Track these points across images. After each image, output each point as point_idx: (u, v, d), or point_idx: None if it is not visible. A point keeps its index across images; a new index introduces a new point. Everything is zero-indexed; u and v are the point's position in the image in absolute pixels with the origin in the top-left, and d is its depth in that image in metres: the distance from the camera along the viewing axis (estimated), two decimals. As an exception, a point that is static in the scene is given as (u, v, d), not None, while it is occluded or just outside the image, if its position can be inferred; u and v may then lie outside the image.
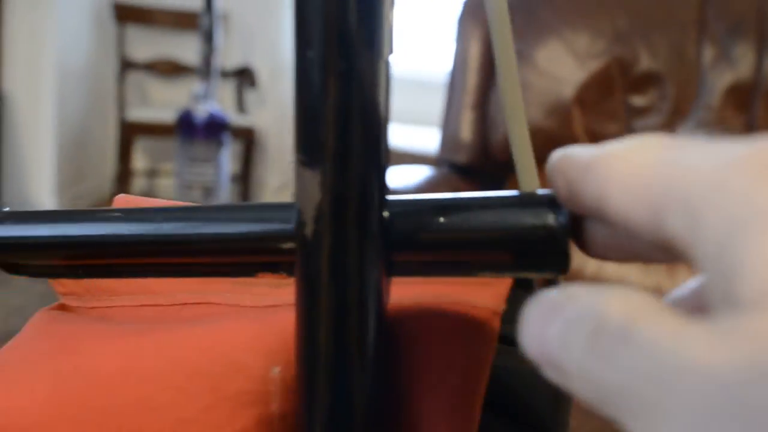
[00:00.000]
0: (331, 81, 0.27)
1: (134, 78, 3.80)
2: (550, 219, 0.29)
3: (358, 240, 0.28)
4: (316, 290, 0.29)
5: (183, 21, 3.67)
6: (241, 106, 3.89)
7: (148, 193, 3.83)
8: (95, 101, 3.78)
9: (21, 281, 2.66)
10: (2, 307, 2.48)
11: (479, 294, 0.34)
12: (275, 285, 0.36)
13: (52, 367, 0.34)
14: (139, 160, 3.94)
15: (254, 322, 0.34)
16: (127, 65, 3.67)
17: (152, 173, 3.92)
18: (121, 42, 3.65)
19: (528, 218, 0.29)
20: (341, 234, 0.28)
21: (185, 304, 0.37)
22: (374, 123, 0.28)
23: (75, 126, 3.56)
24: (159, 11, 3.67)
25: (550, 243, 0.29)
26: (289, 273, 0.34)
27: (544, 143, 1.78)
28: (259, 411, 0.33)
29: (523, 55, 1.66)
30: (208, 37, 3.07)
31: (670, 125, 1.72)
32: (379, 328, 0.30)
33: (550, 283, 0.35)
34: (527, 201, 0.30)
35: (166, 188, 3.92)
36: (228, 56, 3.74)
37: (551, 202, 0.29)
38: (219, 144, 3.03)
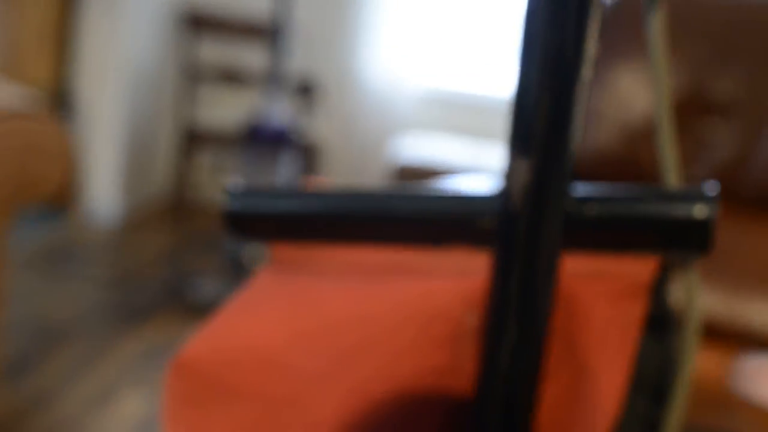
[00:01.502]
0: (545, 94, 0.36)
1: (201, 85, 3.93)
2: (701, 209, 0.38)
3: (552, 215, 0.37)
4: (513, 254, 0.38)
5: (252, 30, 3.80)
6: (305, 117, 3.99)
7: (208, 200, 3.95)
8: (161, 106, 3.91)
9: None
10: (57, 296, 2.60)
11: (634, 267, 0.42)
12: (467, 256, 0.45)
13: (288, 305, 0.43)
14: (201, 167, 4.06)
15: (454, 279, 0.42)
16: (194, 72, 3.80)
17: (213, 181, 4.04)
18: (189, 49, 3.78)
19: (682, 208, 0.38)
20: (541, 208, 0.37)
21: (390, 266, 0.45)
22: (571, 125, 0.37)
23: (140, 129, 3.69)
24: (229, 19, 3.80)
25: (699, 229, 0.38)
26: (480, 245, 0.42)
27: (612, 167, 1.84)
28: (454, 350, 0.41)
29: (597, 79, 1.74)
30: (276, 47, 3.18)
31: (739, 156, 1.78)
32: (556, 286, 0.39)
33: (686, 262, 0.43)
34: (681, 194, 0.38)
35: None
36: (294, 67, 3.85)
37: (701, 195, 0.38)
38: (282, 153, 3.14)
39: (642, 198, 0.39)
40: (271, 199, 0.45)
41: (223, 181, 4.01)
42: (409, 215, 0.42)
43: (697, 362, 1.29)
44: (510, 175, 0.37)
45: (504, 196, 0.38)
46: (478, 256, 0.43)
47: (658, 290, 0.44)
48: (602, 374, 0.41)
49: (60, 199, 1.55)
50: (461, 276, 0.42)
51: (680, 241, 0.39)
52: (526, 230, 0.37)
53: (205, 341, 0.45)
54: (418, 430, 0.43)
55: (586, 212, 0.39)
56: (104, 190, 3.49)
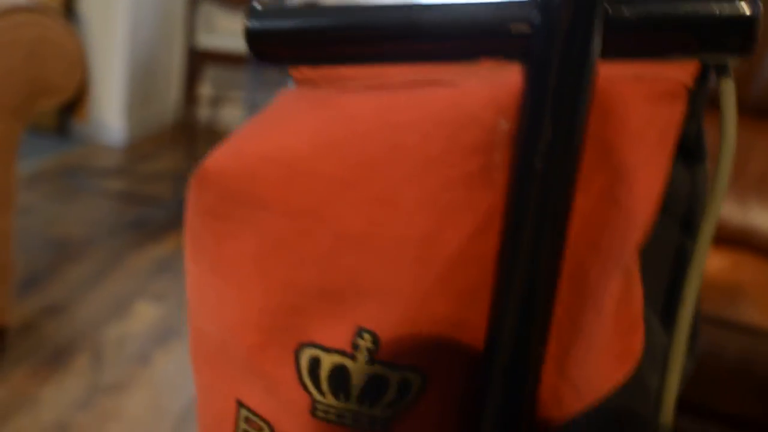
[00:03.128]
0: None
1: (204, 7, 3.88)
2: (745, 7, 0.37)
3: (586, 21, 0.37)
4: (549, 55, 0.38)
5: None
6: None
7: (212, 121, 3.93)
8: (165, 28, 3.88)
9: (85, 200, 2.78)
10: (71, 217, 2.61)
11: (674, 70, 0.42)
12: (495, 69, 0.44)
13: (313, 117, 0.43)
14: (205, 88, 4.04)
15: (487, 86, 0.42)
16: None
17: (217, 101, 4.02)
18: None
19: (726, 5, 0.37)
20: (578, 14, 0.36)
21: (419, 80, 0.45)
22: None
23: (145, 51, 3.66)
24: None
25: (743, 26, 0.37)
26: (511, 57, 0.42)
27: None
28: (484, 158, 0.41)
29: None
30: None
31: (745, 67, 1.77)
32: (592, 92, 0.38)
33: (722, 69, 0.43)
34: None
35: (231, 116, 4.02)
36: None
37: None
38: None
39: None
40: (296, 17, 0.44)
41: (228, 100, 3.98)
42: (437, 24, 0.41)
43: (708, 263, 1.30)
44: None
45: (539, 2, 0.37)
46: (511, 67, 0.42)
47: (693, 112, 0.44)
48: (639, 175, 0.41)
49: (72, 103, 1.54)
50: (493, 83, 0.42)
51: (724, 41, 0.38)
52: (564, 37, 0.37)
53: (229, 153, 0.45)
54: (447, 240, 0.42)
55: (624, 13, 0.39)
56: (111, 110, 3.48)
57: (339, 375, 0.45)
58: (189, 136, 3.38)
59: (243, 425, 0.51)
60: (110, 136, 3.48)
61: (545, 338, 0.43)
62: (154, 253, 2.35)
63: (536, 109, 0.38)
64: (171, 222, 2.61)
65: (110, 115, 3.49)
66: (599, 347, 0.44)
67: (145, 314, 1.99)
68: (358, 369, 0.45)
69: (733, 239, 1.72)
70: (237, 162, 0.44)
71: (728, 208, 1.76)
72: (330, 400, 0.46)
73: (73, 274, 2.15)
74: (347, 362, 0.45)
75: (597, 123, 0.41)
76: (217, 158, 0.45)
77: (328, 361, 0.45)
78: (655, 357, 0.46)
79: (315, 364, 0.46)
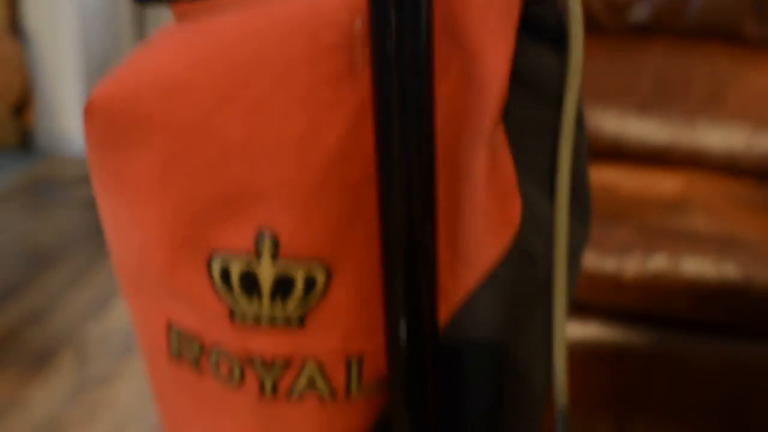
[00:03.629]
0: None
1: (153, 15, 3.89)
2: None
3: None
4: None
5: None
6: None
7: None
8: (116, 34, 3.89)
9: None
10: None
11: None
12: None
13: (186, 39, 0.46)
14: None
15: None
16: (144, 2, 3.76)
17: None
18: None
19: None
20: None
21: None
22: None
23: (98, 58, 3.67)
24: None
25: None
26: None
27: None
28: (346, 57, 0.44)
29: None
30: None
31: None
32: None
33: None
34: None
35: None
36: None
37: None
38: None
39: None
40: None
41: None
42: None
43: (661, 185, 1.33)
44: None
45: None
46: None
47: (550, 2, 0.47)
48: (488, 53, 0.44)
49: (18, 108, 1.58)
50: None
51: None
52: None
53: (112, 83, 0.48)
54: (324, 137, 0.46)
55: None
56: (71, 121, 3.49)
57: (248, 278, 0.49)
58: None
59: (176, 343, 0.55)
60: (73, 147, 3.49)
61: (433, 219, 0.47)
62: (129, 252, 2.38)
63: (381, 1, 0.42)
64: (143, 220, 2.63)
65: (71, 126, 3.51)
66: (479, 219, 0.48)
67: (125, 311, 2.02)
68: (264, 269, 0.48)
69: (684, 161, 1.76)
70: (120, 89, 0.47)
71: (676, 131, 1.80)
72: (244, 305, 0.50)
73: (51, 280, 2.18)
74: (254, 264, 0.49)
75: (442, 8, 0.44)
76: (101, 89, 0.48)
77: (236, 266, 0.49)
78: (538, 224, 0.50)
79: (225, 272, 0.49)
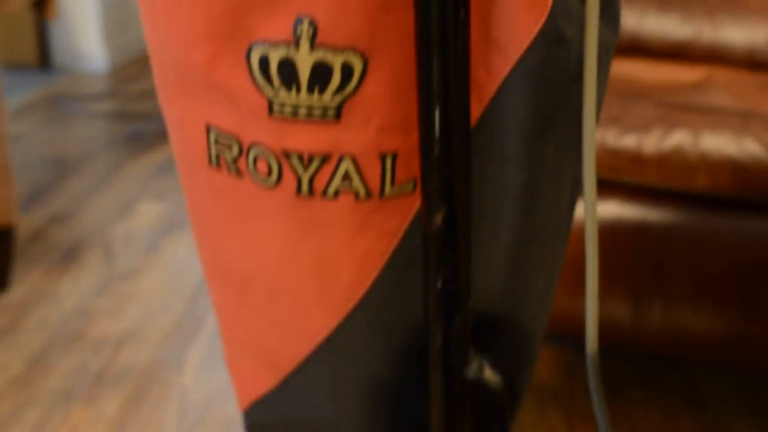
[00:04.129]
0: None
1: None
2: None
3: None
4: None
5: None
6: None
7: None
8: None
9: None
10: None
11: None
12: None
13: None
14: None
15: None
16: None
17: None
18: None
19: None
20: None
21: None
22: None
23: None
24: None
25: None
26: None
27: None
28: None
29: None
30: None
31: None
32: None
33: None
34: None
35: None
36: None
37: None
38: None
39: None
40: None
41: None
42: None
43: (681, 76, 1.34)
44: None
45: None
46: None
47: None
48: None
49: (40, 1, 1.58)
50: None
51: None
52: None
53: None
54: None
55: None
56: (89, 40, 3.49)
57: (287, 67, 0.51)
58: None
59: (215, 148, 0.57)
60: (92, 65, 3.50)
61: (467, 4, 0.48)
62: (151, 161, 2.40)
63: None
64: (164, 134, 2.66)
65: (89, 44, 3.51)
66: (512, 2, 0.49)
67: (148, 212, 2.05)
68: (302, 58, 0.50)
69: (704, 56, 1.75)
70: None
71: (697, 26, 1.79)
72: (283, 95, 0.52)
73: (75, 185, 2.22)
74: (292, 52, 0.50)
75: None
76: None
77: (275, 55, 0.51)
78: (569, 11, 0.52)
79: (264, 62, 0.51)
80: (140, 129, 2.68)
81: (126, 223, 1.98)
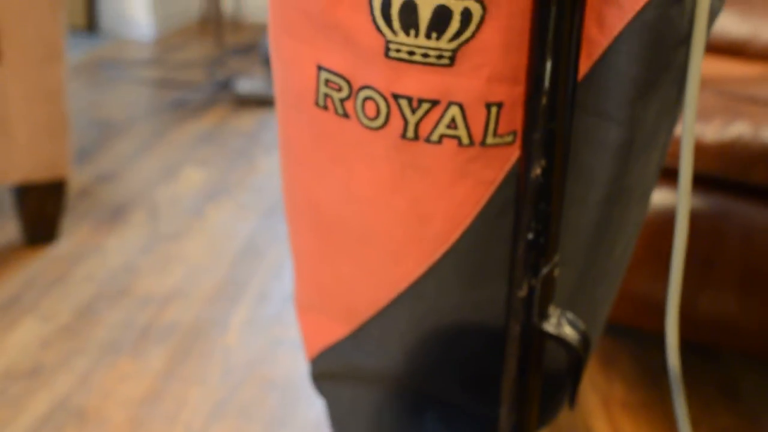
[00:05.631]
0: None
1: None
2: None
3: None
4: None
5: None
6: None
7: (237, 15, 3.96)
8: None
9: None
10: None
11: None
12: None
13: None
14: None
15: None
16: None
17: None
18: None
19: None
20: None
21: None
22: None
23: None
24: None
25: None
26: None
27: None
28: None
29: None
30: None
31: None
32: None
33: None
34: None
35: (255, 7, 4.05)
36: None
37: None
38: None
39: None
40: None
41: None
42: None
43: (743, 71, 1.34)
44: None
45: None
46: None
47: None
48: None
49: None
50: None
51: None
52: None
53: None
54: None
55: None
56: (138, 7, 3.52)
57: (408, 10, 0.52)
58: (216, 27, 3.42)
59: (324, 89, 0.58)
60: (139, 32, 3.53)
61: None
62: (195, 128, 2.43)
63: None
64: (208, 102, 2.68)
65: (137, 11, 3.54)
66: None
67: (192, 177, 2.07)
68: (424, 1, 0.51)
69: (762, 55, 1.75)
70: None
71: (757, 24, 1.78)
72: (401, 37, 0.53)
73: (121, 147, 2.24)
74: None
75: None
76: None
77: None
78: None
79: (386, 3, 0.52)
80: (184, 97, 2.70)
81: (170, 186, 2.00)
